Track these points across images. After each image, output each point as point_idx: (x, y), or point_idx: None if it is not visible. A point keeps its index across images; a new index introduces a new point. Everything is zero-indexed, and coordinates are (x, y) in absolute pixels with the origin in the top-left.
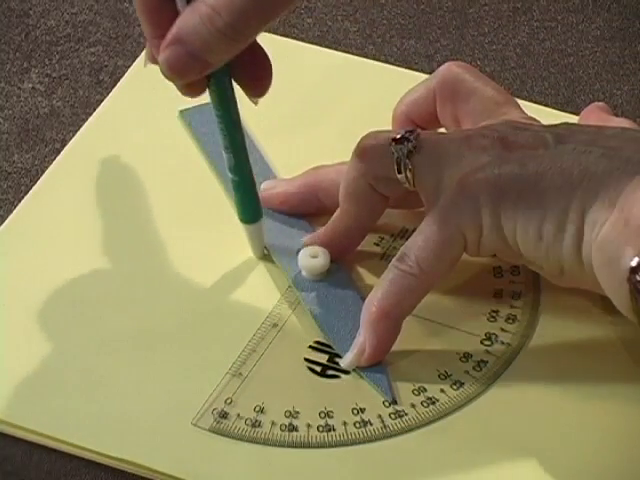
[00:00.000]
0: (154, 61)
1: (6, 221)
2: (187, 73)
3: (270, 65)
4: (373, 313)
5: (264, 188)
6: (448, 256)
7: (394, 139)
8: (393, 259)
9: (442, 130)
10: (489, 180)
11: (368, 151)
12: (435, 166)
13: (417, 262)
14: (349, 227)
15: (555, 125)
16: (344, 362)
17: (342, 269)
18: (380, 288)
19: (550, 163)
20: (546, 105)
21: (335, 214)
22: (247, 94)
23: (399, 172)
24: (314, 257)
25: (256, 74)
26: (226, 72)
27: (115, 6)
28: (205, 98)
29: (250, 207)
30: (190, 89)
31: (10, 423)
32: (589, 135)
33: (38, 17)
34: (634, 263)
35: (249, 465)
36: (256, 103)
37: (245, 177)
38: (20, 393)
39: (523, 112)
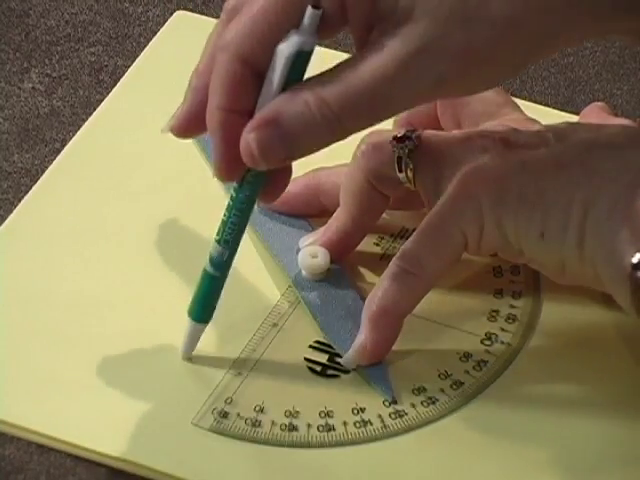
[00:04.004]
0: (180, 132)
1: (6, 221)
2: (272, 159)
3: (289, 177)
4: (374, 311)
5: None
6: (449, 255)
7: (395, 137)
8: (394, 257)
9: None
10: (490, 179)
11: (370, 149)
12: (436, 165)
13: (418, 260)
14: (349, 226)
15: (556, 124)
16: (345, 361)
17: (342, 269)
18: (381, 286)
19: (552, 161)
20: (546, 105)
21: (335, 213)
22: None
23: (400, 171)
24: (314, 257)
25: (276, 180)
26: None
27: (115, 6)
28: None
29: (209, 307)
30: (231, 173)
31: (10, 423)
32: (590, 133)
33: (38, 17)
34: (636, 260)
35: (249, 465)
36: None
37: (224, 276)
38: (20, 393)
39: (523, 113)
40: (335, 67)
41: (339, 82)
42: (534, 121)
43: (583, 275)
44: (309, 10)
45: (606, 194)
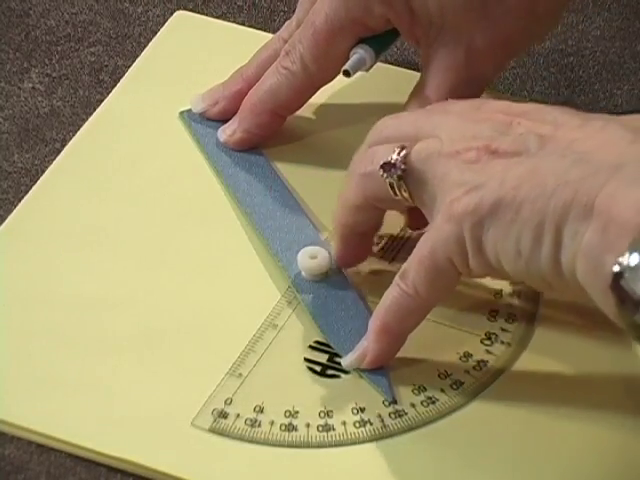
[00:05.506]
0: None
1: (6, 221)
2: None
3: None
4: (377, 326)
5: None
6: (441, 283)
7: (381, 166)
8: (397, 275)
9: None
10: (470, 206)
11: (363, 179)
12: (428, 186)
13: (414, 285)
14: (358, 239)
15: (543, 117)
16: (345, 362)
17: (341, 270)
18: (385, 303)
19: (527, 174)
20: (546, 105)
21: (341, 231)
22: None
23: (395, 195)
24: (313, 258)
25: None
26: None
27: (115, 6)
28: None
29: None
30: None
31: (10, 423)
32: (571, 133)
33: (38, 17)
34: (616, 269)
35: (248, 465)
36: None
37: None
38: (20, 393)
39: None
40: None
41: None
42: (520, 105)
43: (567, 289)
44: None
45: (579, 205)
